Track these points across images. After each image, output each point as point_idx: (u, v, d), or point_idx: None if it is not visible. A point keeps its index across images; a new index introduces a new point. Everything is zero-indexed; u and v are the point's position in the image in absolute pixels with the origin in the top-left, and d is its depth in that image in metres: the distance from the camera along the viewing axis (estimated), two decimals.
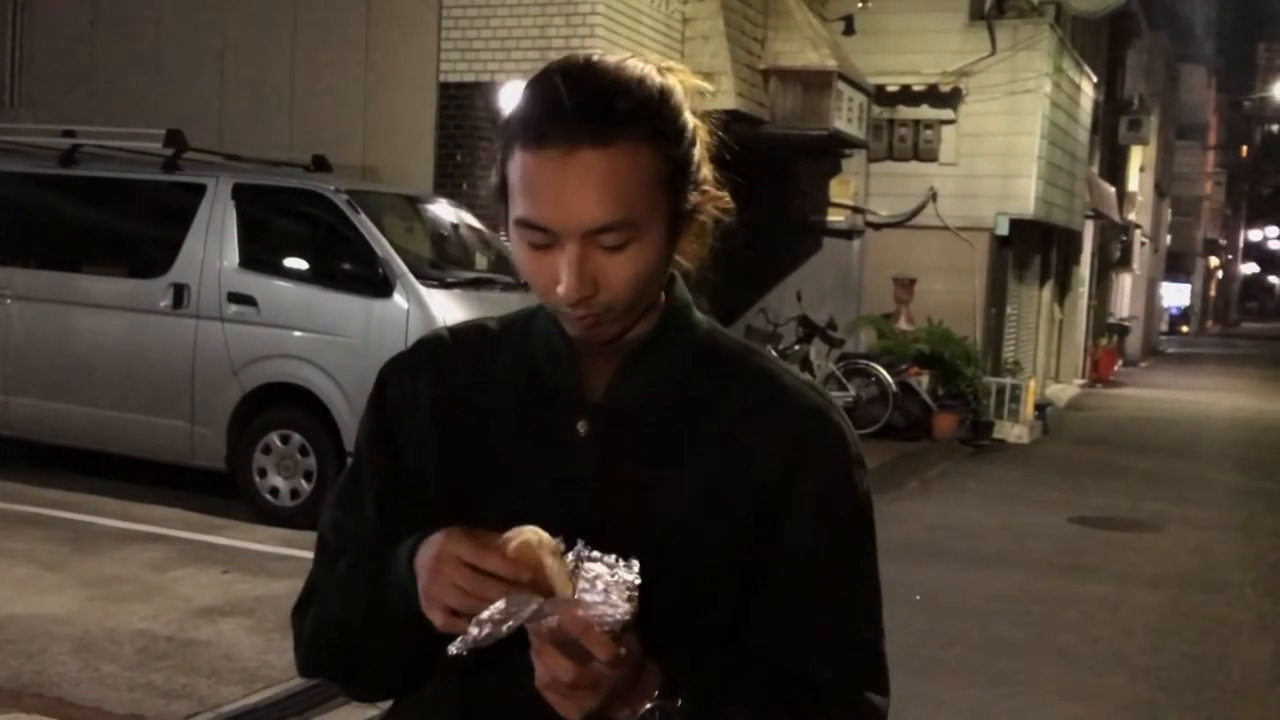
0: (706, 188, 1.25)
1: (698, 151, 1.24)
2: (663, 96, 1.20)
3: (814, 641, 1.25)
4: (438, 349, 1.35)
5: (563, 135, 1.15)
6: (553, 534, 1.12)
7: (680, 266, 1.30)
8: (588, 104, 1.16)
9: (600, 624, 1.06)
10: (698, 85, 1.26)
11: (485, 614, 1.07)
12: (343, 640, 1.28)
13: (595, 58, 1.22)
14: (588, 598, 1.07)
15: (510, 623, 1.07)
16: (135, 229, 8.18)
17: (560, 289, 1.17)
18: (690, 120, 1.23)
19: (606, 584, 1.07)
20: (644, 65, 1.22)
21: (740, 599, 1.25)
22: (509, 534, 1.12)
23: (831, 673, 1.25)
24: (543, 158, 1.16)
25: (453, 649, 1.09)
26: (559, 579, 1.09)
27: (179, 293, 7.49)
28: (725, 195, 1.28)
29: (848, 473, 1.28)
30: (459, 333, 1.36)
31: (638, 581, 1.07)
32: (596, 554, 1.09)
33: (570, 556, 1.10)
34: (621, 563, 1.08)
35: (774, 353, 1.40)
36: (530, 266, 1.21)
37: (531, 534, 1.11)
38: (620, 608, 1.06)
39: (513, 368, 1.31)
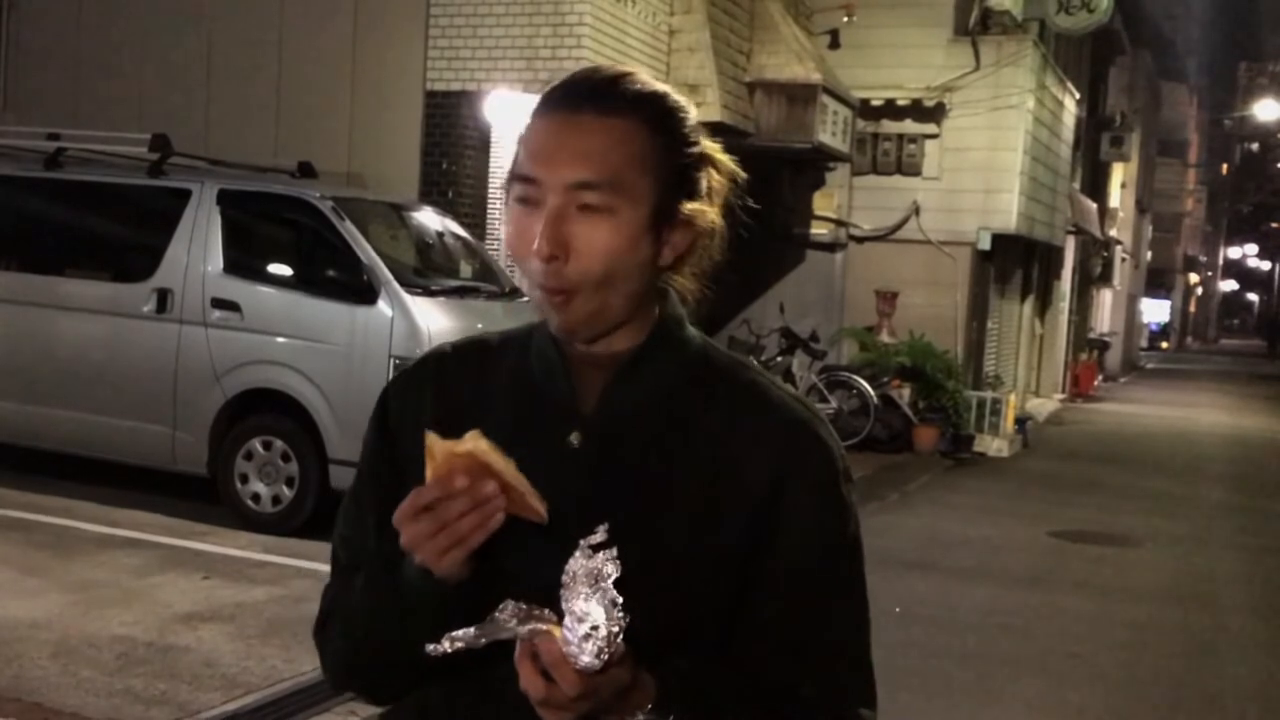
0: (703, 206, 1.29)
1: (704, 176, 1.29)
2: (669, 98, 1.28)
3: (803, 655, 1.27)
4: (440, 364, 1.38)
5: (569, 102, 1.25)
6: (552, 546, 1.16)
7: (678, 287, 1.33)
8: (598, 82, 1.27)
9: (572, 662, 1.08)
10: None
11: (459, 633, 1.11)
12: (377, 665, 1.30)
13: (616, 66, 1.31)
14: (568, 634, 1.08)
15: (485, 639, 1.11)
16: (119, 233, 8.17)
17: (534, 244, 1.21)
18: (700, 141, 1.29)
19: (588, 631, 1.08)
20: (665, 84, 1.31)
21: (730, 611, 1.26)
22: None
23: (820, 686, 1.27)
24: (548, 119, 1.25)
25: (430, 648, 1.12)
26: (499, 464, 1.14)
27: (162, 297, 7.48)
28: (717, 218, 1.31)
29: (835, 486, 1.30)
30: (461, 348, 1.39)
31: (619, 639, 1.09)
32: (613, 572, 1.10)
33: (594, 561, 1.10)
34: (617, 611, 1.09)
35: (756, 364, 1.42)
36: (513, 231, 1.26)
37: (461, 443, 1.15)
38: (589, 661, 1.08)
39: (510, 381, 1.33)
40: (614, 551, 1.11)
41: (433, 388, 1.35)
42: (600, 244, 1.22)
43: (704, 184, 1.29)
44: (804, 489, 1.27)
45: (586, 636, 1.08)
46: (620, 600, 1.09)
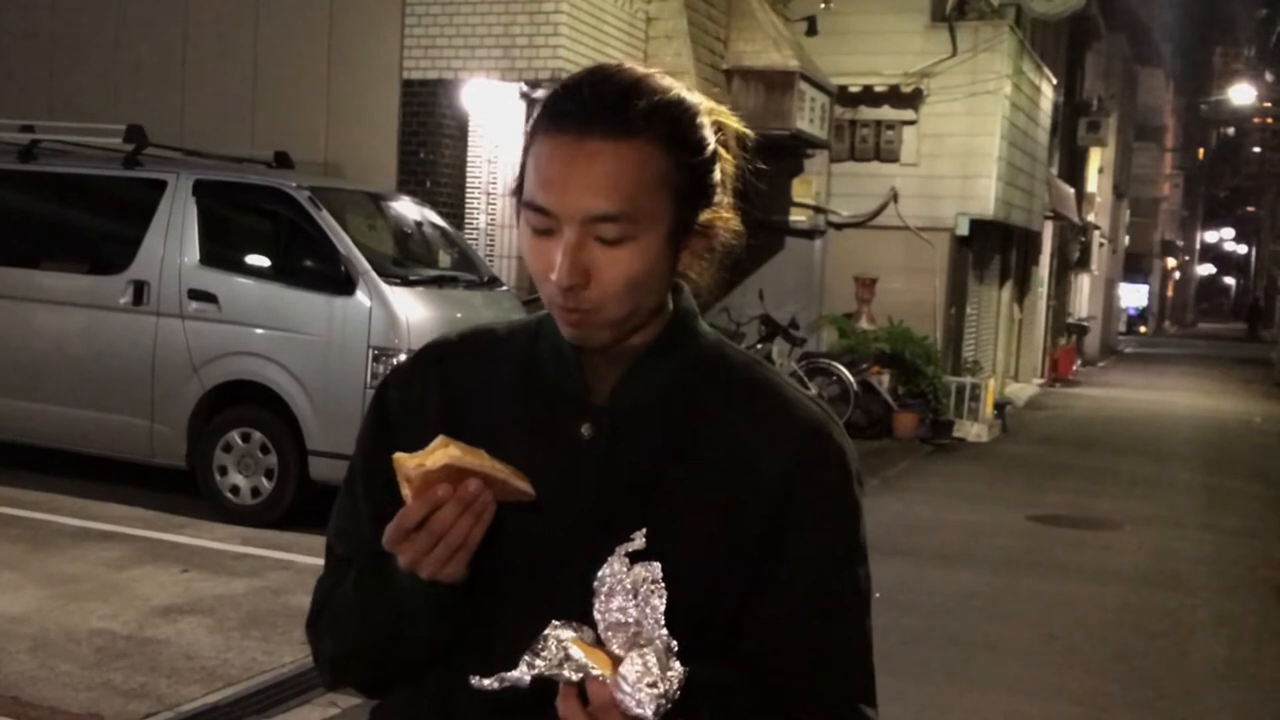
0: (720, 209, 1.27)
1: (717, 172, 1.26)
2: (683, 106, 1.23)
3: (809, 654, 1.26)
4: (442, 354, 1.36)
5: (578, 122, 1.18)
6: (563, 539, 1.18)
7: (690, 281, 1.32)
8: (607, 96, 1.19)
9: (623, 710, 1.07)
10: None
11: (510, 674, 1.09)
12: (369, 661, 1.30)
13: (626, 65, 1.25)
14: (623, 684, 1.06)
15: (531, 676, 1.09)
16: (95, 225, 8.12)
17: (554, 274, 1.18)
18: (711, 140, 1.24)
19: (645, 687, 1.06)
20: (674, 81, 1.25)
21: (739, 607, 1.25)
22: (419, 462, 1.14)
23: (824, 685, 1.27)
24: (556, 142, 1.18)
25: (474, 682, 1.12)
26: (474, 462, 1.12)
27: (139, 289, 7.44)
28: (736, 219, 1.29)
29: (847, 489, 1.29)
30: (467, 337, 1.37)
31: (676, 695, 1.07)
32: (660, 605, 1.08)
33: (633, 575, 1.09)
34: (674, 660, 1.07)
35: (769, 362, 1.41)
36: (530, 252, 1.22)
37: (431, 455, 1.13)
38: (644, 713, 1.06)
39: (519, 371, 1.31)
40: (658, 569, 1.08)
41: (437, 376, 1.33)
42: (622, 271, 1.19)
43: (718, 178, 1.26)
44: (816, 490, 1.26)
45: (644, 689, 1.06)
46: (677, 647, 1.07)
